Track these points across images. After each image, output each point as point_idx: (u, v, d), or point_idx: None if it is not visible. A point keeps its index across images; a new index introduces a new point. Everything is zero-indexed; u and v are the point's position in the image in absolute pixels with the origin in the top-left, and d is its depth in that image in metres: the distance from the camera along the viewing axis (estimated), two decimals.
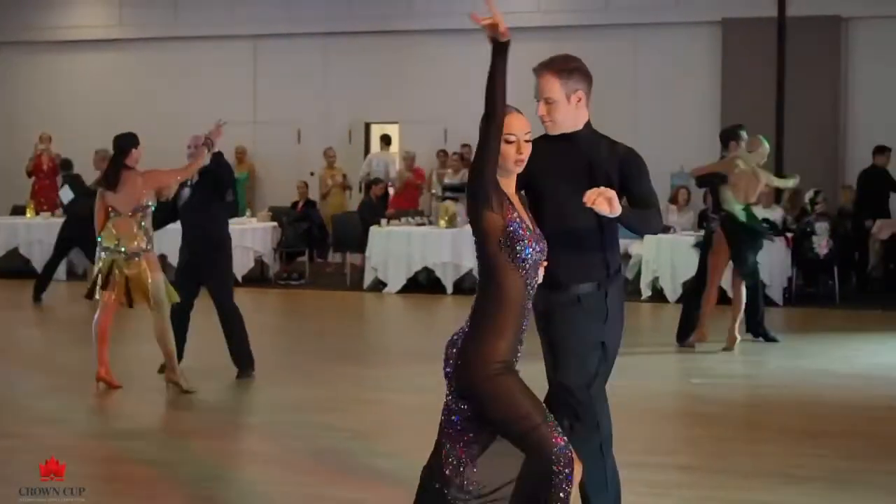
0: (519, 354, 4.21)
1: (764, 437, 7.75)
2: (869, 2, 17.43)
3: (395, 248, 15.67)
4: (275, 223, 17.32)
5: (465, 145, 18.37)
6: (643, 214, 4.81)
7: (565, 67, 4.84)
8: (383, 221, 16.21)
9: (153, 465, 6.92)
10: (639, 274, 15.05)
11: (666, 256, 14.55)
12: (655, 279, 14.71)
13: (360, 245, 16.25)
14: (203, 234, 9.37)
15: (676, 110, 18.07)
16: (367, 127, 20.52)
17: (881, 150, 16.10)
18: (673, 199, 16.40)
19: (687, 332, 11.09)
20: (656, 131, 17.66)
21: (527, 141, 4.25)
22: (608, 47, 18.68)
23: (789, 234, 14.61)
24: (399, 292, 15.56)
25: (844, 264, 15.47)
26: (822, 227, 14.89)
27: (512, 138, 4.21)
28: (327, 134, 20.10)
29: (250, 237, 16.60)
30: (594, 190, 4.39)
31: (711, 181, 11.16)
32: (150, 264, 8.86)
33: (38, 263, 16.27)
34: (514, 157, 4.21)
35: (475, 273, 15.40)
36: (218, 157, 9.41)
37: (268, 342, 11.83)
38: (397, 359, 11.13)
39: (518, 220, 4.16)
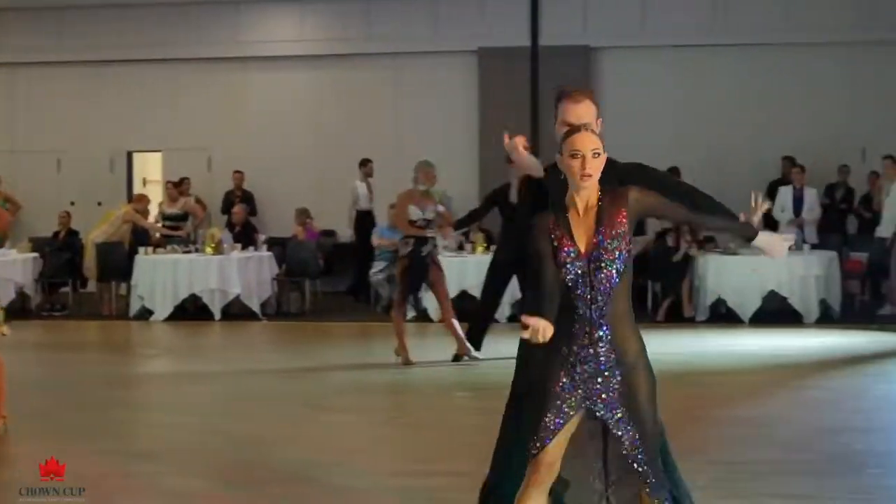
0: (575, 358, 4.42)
1: None
2: (613, 33, 18.46)
3: (161, 276, 15.61)
4: (36, 254, 16.98)
5: (237, 172, 18.51)
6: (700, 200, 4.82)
7: (592, 94, 4.92)
8: (148, 249, 16.12)
9: None
10: None
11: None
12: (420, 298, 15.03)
13: (125, 273, 16.10)
14: None
15: (437, 137, 18.59)
16: (130, 156, 20.34)
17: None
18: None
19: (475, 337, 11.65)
20: (418, 157, 18.13)
21: (595, 156, 4.36)
22: (370, 76, 19.18)
23: None
24: (166, 320, 15.51)
25: None
26: None
27: (578, 154, 4.34)
28: (88, 163, 19.85)
29: (10, 269, 16.26)
30: None
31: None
32: None
33: None
34: (579, 171, 4.35)
35: (242, 298, 15.50)
36: None
37: (34, 375, 11.69)
38: (168, 382, 11.19)
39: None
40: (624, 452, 4.38)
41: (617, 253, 4.32)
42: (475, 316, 11.84)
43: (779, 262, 14.72)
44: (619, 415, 4.35)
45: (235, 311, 15.48)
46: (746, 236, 4.69)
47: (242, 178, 18.62)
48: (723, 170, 17.19)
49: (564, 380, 4.38)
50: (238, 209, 17.58)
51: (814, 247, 15.47)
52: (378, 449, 7.91)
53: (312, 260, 16.65)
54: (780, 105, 18.10)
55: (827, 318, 14.76)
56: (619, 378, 4.36)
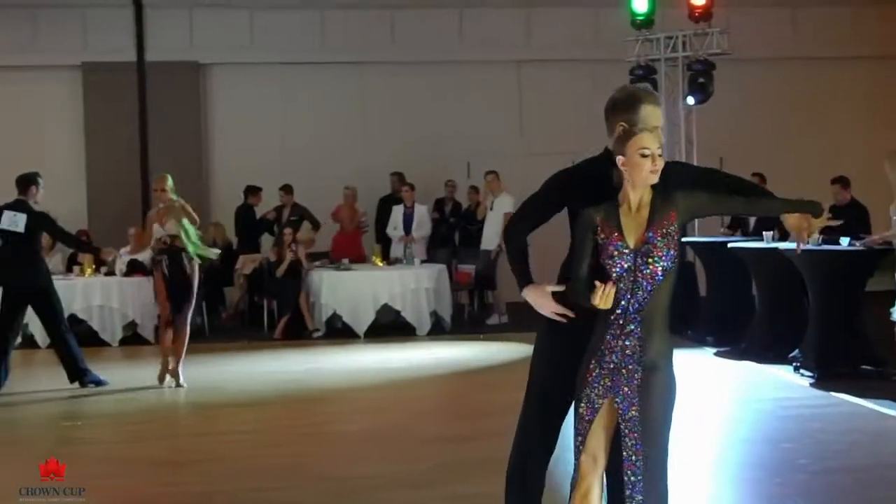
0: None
1: (133, 470, 7.92)
2: (223, 49, 18.31)
3: None
4: None
5: None
6: None
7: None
8: None
9: None
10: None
11: None
12: (26, 325, 14.33)
13: None
14: None
15: (43, 153, 17.66)
16: None
17: (253, 191, 16.99)
18: None
19: (75, 371, 11.22)
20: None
21: (660, 155, 4.49)
22: None
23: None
24: None
25: (213, 299, 16.06)
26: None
27: (647, 152, 4.44)
28: None
29: None
30: None
31: None
32: None
33: None
34: (650, 168, 4.47)
35: None
36: None
37: None
38: None
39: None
40: (623, 454, 4.40)
41: (666, 251, 4.45)
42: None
43: (391, 276, 15.07)
44: (633, 412, 4.41)
45: None
46: (814, 212, 4.77)
47: None
48: (334, 186, 17.37)
49: (595, 370, 4.49)
50: None
51: (423, 261, 15.91)
52: None
53: None
54: (389, 120, 18.56)
55: (439, 330, 15.21)
56: (639, 374, 4.45)
